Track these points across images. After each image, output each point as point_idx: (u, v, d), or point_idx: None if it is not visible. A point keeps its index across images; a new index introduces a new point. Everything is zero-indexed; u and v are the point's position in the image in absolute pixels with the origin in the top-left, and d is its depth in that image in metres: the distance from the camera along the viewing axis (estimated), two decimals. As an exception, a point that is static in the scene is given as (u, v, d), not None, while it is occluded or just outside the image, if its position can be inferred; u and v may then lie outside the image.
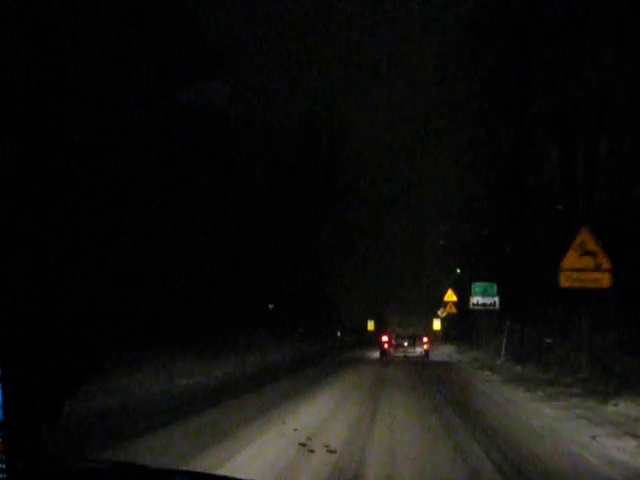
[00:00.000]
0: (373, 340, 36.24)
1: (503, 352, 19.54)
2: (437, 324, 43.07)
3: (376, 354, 23.79)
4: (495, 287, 23.12)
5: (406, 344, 22.27)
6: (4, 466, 1.62)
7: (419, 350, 22.16)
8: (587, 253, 12.01)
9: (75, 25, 13.50)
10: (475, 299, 23.29)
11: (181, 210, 17.88)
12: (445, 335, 46.31)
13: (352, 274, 46.77)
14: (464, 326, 32.89)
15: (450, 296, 33.05)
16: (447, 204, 35.44)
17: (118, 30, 14.85)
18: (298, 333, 29.76)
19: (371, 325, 51.84)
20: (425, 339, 22.74)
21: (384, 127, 74.20)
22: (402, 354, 22.03)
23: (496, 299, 23.05)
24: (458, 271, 36.94)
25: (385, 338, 22.52)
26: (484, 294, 23.31)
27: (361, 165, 39.85)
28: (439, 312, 41.43)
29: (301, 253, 33.96)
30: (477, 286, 23.46)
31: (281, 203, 31.06)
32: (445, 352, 30.39)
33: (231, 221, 22.38)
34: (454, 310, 33.16)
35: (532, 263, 19.34)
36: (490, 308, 23.17)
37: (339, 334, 46.98)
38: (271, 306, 25.70)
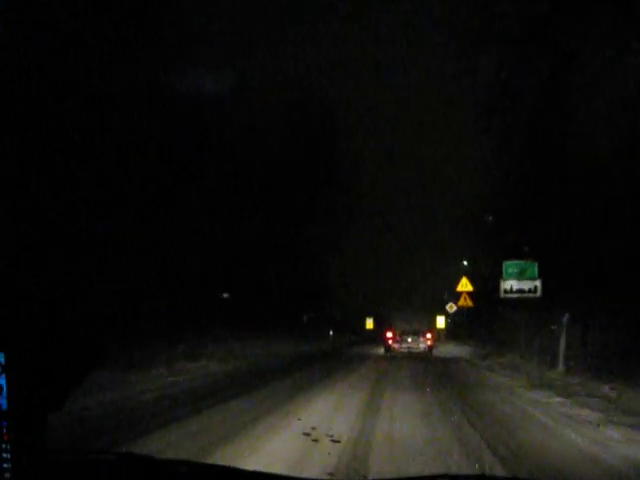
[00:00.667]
0: (376, 338, 34.41)
1: (561, 359, 12.83)
2: (441, 322, 36.31)
3: (379, 351, 23.98)
4: (536, 267, 16.46)
5: (410, 340, 22.72)
6: (8, 456, 1.62)
7: (422, 346, 22.53)
8: None
9: (74, 21, 13.28)
10: (508, 284, 16.70)
11: (178, 209, 17.98)
12: (452, 334, 39.68)
13: (350, 272, 44.25)
14: (482, 322, 26.14)
15: (464, 285, 26.52)
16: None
17: (118, 29, 14.62)
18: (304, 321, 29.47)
19: (370, 323, 47.94)
20: (429, 335, 22.96)
21: (385, 125, 69.03)
22: (406, 350, 22.50)
23: (537, 283, 16.41)
24: (465, 263, 31.43)
25: (389, 334, 23.20)
26: (520, 277, 16.65)
27: (360, 164, 38.91)
28: (447, 307, 34.59)
29: (295, 251, 31.86)
30: (510, 266, 16.81)
31: (277, 202, 29.50)
32: (458, 355, 23.76)
33: (225, 222, 22.07)
34: (469, 303, 26.59)
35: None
36: (529, 296, 16.52)
37: (331, 333, 41.06)
38: (226, 295, 22.15)
